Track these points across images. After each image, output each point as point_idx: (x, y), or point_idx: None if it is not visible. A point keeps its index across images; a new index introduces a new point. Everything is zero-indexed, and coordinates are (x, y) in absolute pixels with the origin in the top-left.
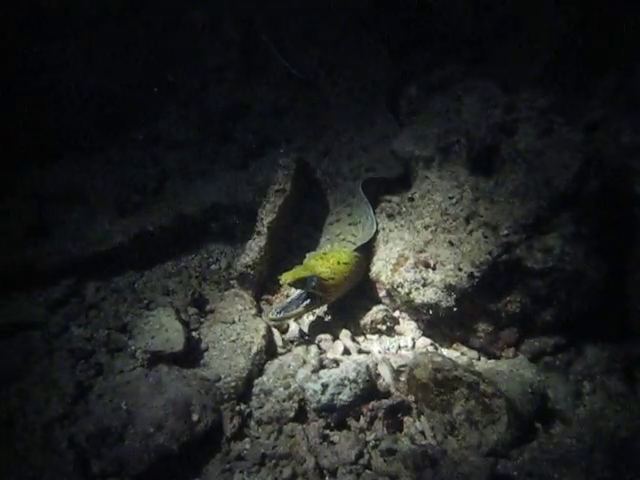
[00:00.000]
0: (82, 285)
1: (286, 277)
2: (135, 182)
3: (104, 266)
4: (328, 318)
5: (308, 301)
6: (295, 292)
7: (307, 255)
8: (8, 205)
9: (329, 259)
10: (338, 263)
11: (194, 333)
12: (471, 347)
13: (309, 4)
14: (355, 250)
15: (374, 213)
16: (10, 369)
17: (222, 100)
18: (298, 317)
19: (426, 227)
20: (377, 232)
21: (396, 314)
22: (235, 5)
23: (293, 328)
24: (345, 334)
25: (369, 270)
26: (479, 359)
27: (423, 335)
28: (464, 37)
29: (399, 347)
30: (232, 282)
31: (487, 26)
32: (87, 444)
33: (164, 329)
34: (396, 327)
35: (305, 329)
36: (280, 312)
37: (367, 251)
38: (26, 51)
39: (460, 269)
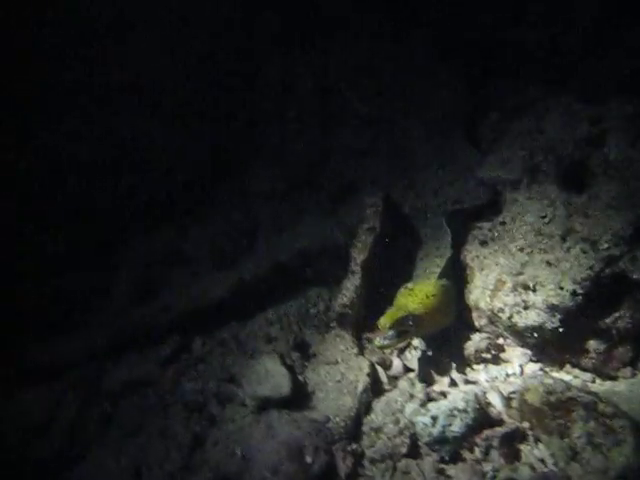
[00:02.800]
0: (190, 341)
1: (385, 322)
2: (229, 238)
3: (208, 320)
4: (431, 352)
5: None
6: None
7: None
8: (118, 270)
9: (417, 294)
10: (427, 297)
11: (299, 377)
12: (583, 369)
13: (379, 43)
14: (439, 278)
15: (459, 243)
16: (130, 425)
17: (304, 150)
18: (398, 344)
19: (521, 249)
20: (453, 255)
21: (500, 341)
22: (310, 56)
23: (397, 364)
24: (451, 366)
25: (467, 299)
26: (594, 381)
27: (530, 360)
28: (540, 62)
29: (507, 375)
30: (332, 324)
31: (563, 48)
32: None
33: (270, 375)
34: (501, 355)
35: (409, 364)
36: (385, 339)
37: (456, 277)
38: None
39: (562, 288)
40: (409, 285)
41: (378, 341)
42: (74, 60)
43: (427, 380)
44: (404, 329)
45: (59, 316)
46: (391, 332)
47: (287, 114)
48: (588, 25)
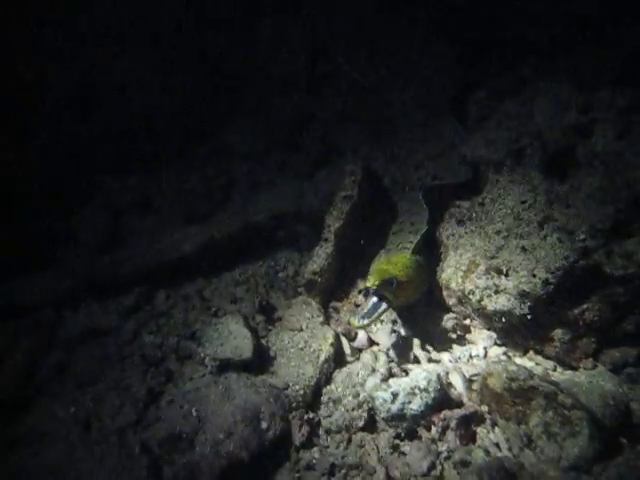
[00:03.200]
0: (153, 293)
1: (373, 279)
2: (203, 193)
3: (174, 274)
4: (397, 326)
5: (385, 305)
6: (369, 299)
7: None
8: (84, 215)
9: (396, 264)
10: (405, 267)
11: (262, 340)
12: (546, 357)
13: (375, 10)
14: (412, 254)
15: (437, 219)
16: (85, 374)
17: (287, 110)
18: (375, 322)
19: (498, 232)
20: (428, 231)
21: (467, 322)
22: (301, 15)
23: (361, 336)
24: (414, 343)
25: (439, 276)
26: (555, 369)
27: (495, 344)
28: (533, 43)
29: (470, 356)
30: (299, 290)
31: (557, 31)
32: (159, 449)
33: (232, 336)
34: (467, 336)
35: (374, 337)
36: (364, 318)
37: (429, 254)
38: (101, 64)
39: (534, 275)
40: (383, 256)
41: (356, 321)
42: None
43: (390, 355)
44: (385, 293)
45: (22, 259)
46: (370, 303)
47: (273, 73)
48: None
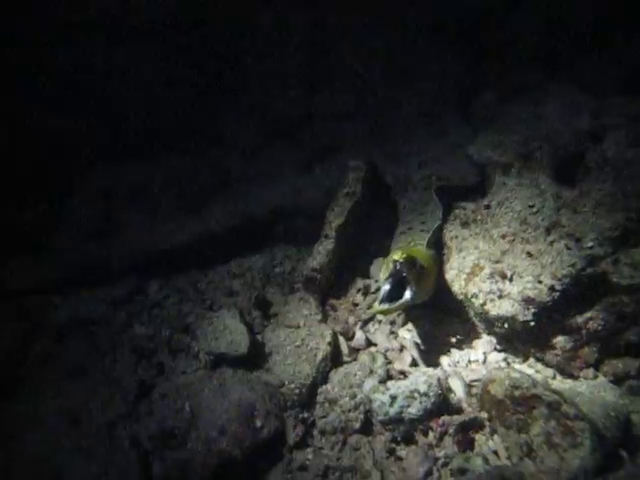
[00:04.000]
0: (146, 284)
1: (401, 252)
2: (198, 185)
3: (168, 265)
4: (395, 327)
5: (409, 294)
6: (392, 279)
7: (374, 261)
8: (76, 202)
9: (416, 252)
10: (424, 257)
11: (257, 336)
12: (547, 364)
13: (380, 10)
14: (428, 248)
15: (442, 215)
16: (73, 364)
17: (287, 105)
18: (397, 310)
19: (503, 236)
20: (440, 227)
21: (466, 327)
22: (303, 9)
23: (359, 336)
24: (413, 345)
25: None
26: (554, 378)
27: (495, 349)
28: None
29: (469, 361)
30: (297, 286)
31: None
32: (150, 444)
33: (228, 331)
34: (466, 340)
35: (371, 337)
36: (385, 302)
37: (438, 256)
38: (94, 53)
39: (540, 281)
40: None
41: (378, 306)
42: None
43: (388, 357)
44: (409, 276)
45: (11, 246)
46: (390, 285)
47: (273, 67)
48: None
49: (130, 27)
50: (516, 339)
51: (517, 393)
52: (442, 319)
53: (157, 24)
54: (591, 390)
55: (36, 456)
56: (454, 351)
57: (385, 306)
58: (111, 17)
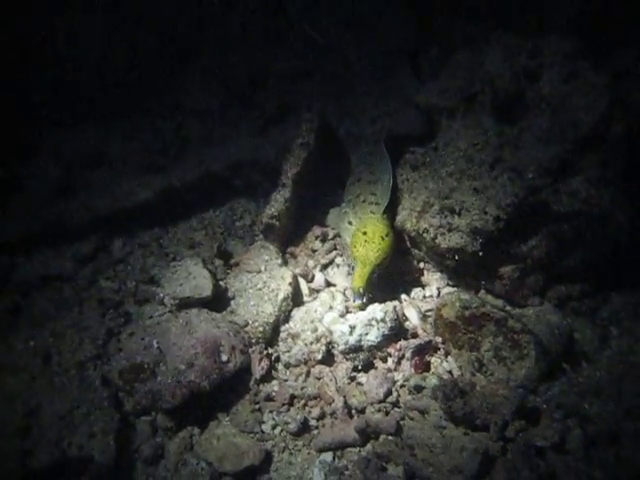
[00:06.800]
0: (109, 241)
1: (358, 286)
2: (158, 146)
3: (130, 222)
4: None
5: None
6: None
7: (330, 210)
8: (34, 167)
9: (374, 239)
10: (382, 239)
11: (221, 282)
12: (497, 296)
13: None
14: (383, 213)
15: (393, 168)
16: (41, 316)
17: (243, 66)
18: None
19: (450, 175)
20: (396, 187)
21: (420, 265)
22: None
23: (319, 277)
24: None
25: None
26: (504, 308)
27: (447, 285)
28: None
29: (424, 296)
30: (257, 237)
31: None
32: (120, 379)
33: (192, 276)
34: (421, 278)
35: (330, 279)
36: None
37: (392, 208)
38: (48, 16)
39: (486, 212)
40: (360, 227)
41: (356, 302)
42: None
43: (347, 295)
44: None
45: None
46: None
47: (229, 29)
48: None
49: None
50: (466, 273)
51: (467, 313)
52: (397, 261)
53: None
54: (537, 314)
55: (10, 393)
56: (409, 288)
57: (364, 300)
58: None
